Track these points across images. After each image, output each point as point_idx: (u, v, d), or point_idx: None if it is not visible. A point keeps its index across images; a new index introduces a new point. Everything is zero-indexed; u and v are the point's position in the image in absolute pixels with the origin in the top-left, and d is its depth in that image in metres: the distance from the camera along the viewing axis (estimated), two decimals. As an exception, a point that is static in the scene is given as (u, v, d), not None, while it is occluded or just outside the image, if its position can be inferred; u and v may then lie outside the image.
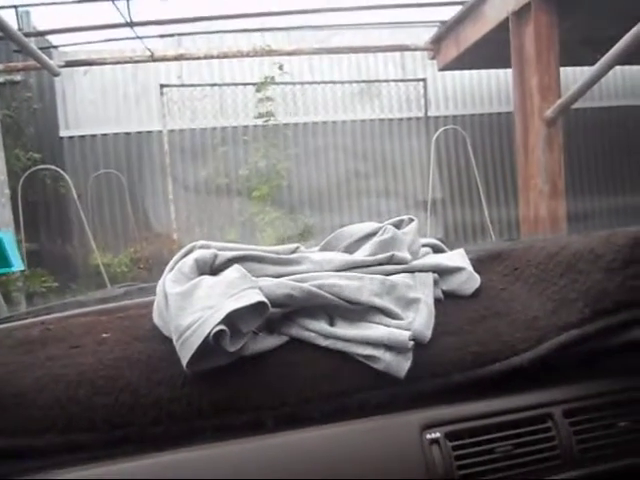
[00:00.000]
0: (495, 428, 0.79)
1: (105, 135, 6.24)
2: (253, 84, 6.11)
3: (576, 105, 4.33)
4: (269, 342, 0.81)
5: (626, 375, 0.86)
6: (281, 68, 6.03)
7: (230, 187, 6.14)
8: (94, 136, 6.24)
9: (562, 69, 4.41)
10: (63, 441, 0.74)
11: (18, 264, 0.81)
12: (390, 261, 0.92)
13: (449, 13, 5.69)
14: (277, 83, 6.12)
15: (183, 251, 0.90)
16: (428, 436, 0.77)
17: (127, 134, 6.27)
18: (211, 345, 0.73)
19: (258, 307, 0.77)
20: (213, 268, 0.87)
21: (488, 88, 6.93)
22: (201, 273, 0.85)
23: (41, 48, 5.50)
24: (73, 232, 5.97)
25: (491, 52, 5.37)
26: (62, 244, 5.77)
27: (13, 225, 4.33)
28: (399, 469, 0.76)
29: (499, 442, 0.78)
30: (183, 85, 6.20)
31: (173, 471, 0.73)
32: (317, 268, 0.89)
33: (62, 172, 5.29)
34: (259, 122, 6.09)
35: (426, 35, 6.23)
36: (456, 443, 0.78)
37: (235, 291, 0.77)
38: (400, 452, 0.76)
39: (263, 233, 5.49)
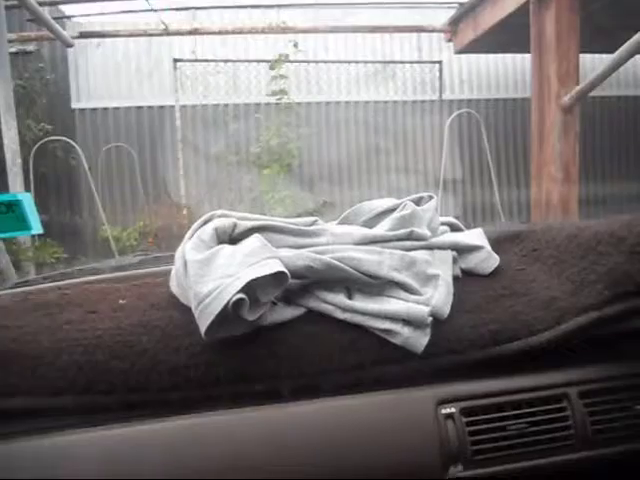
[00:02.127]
0: (510, 406, 0.79)
1: (117, 108, 6.22)
2: (267, 61, 6.05)
3: (593, 93, 4.26)
4: (287, 313, 0.81)
5: (645, 358, 0.86)
6: (296, 46, 5.96)
7: (241, 164, 6.12)
8: (106, 109, 6.21)
9: (581, 56, 4.34)
10: (81, 402, 0.74)
11: (37, 227, 0.81)
12: (409, 237, 0.91)
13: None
14: (291, 61, 6.06)
15: (202, 219, 0.90)
16: (443, 411, 0.78)
17: (139, 108, 6.24)
18: (230, 313, 0.73)
19: (278, 277, 0.76)
20: (232, 237, 0.86)
21: (504, 73, 6.83)
22: (220, 242, 0.85)
23: (55, 18, 5.46)
24: (83, 204, 5.99)
25: (509, 36, 5.28)
26: (72, 216, 5.79)
27: (24, 195, 4.33)
28: (413, 442, 0.76)
29: (513, 420, 0.79)
30: (197, 60, 6.15)
31: (189, 435, 0.74)
32: (337, 241, 0.88)
33: (73, 144, 5.28)
34: (272, 100, 6.04)
35: (443, 17, 6.13)
36: (470, 419, 0.78)
37: (255, 260, 0.77)
38: (415, 426, 0.77)
39: (273, 211, 5.48)
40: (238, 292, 0.72)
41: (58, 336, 0.80)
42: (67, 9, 5.92)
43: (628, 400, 0.81)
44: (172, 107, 6.16)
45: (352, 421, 0.76)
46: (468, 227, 1.15)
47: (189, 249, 0.82)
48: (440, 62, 6.53)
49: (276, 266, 0.76)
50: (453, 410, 0.78)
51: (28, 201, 0.86)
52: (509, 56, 6.66)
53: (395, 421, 0.77)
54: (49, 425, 0.74)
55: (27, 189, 4.58)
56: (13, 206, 0.84)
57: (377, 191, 6.45)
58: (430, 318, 0.79)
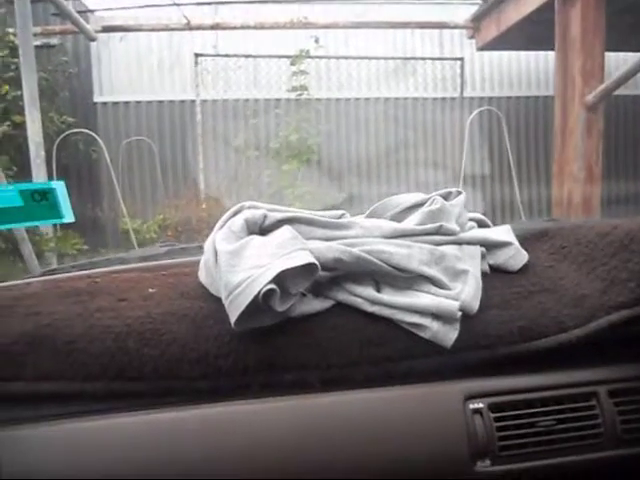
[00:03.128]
0: (538, 403, 0.79)
1: (138, 102, 6.27)
2: (288, 57, 6.05)
3: (617, 92, 4.20)
4: (316, 305, 0.82)
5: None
6: (317, 41, 5.96)
7: (260, 159, 6.14)
8: (127, 103, 6.27)
9: (606, 54, 4.28)
10: (113, 388, 0.76)
11: (69, 215, 0.82)
12: (438, 231, 0.91)
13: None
14: (312, 57, 6.05)
15: (232, 210, 0.91)
16: (471, 406, 0.78)
17: (160, 102, 6.29)
18: (260, 304, 0.73)
19: (308, 268, 0.77)
20: (262, 228, 0.87)
21: (527, 70, 6.75)
22: (250, 233, 0.85)
23: (78, 12, 5.53)
24: (104, 197, 6.05)
25: (533, 33, 5.23)
26: (93, 208, 5.85)
27: (47, 187, 4.39)
28: (441, 437, 0.76)
29: (541, 417, 0.78)
30: (218, 55, 6.17)
31: (218, 423, 0.75)
32: (366, 234, 0.88)
33: (95, 136, 5.34)
34: (292, 95, 6.05)
35: (466, 13, 6.08)
36: (498, 414, 0.78)
37: (286, 251, 0.78)
38: (443, 420, 0.77)
39: (292, 207, 5.49)
40: (269, 283, 0.73)
41: (90, 323, 0.81)
42: (90, 3, 5.98)
43: (659, 400, 0.81)
44: (193, 102, 6.19)
45: (380, 414, 0.77)
46: (493, 224, 1.14)
47: (220, 239, 0.83)
48: (462, 59, 6.48)
49: (306, 257, 0.76)
50: (481, 405, 0.78)
51: (61, 189, 0.87)
52: (532, 53, 6.58)
53: (423, 415, 0.77)
54: (80, 409, 0.75)
55: (50, 180, 4.63)
56: (47, 194, 0.86)
57: (397, 187, 6.43)
58: (459, 313, 0.78)
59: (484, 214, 1.15)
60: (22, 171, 4.64)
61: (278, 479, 0.72)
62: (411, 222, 0.93)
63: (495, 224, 1.13)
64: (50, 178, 4.64)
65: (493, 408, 0.78)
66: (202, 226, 5.02)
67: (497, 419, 0.77)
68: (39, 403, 0.76)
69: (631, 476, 0.82)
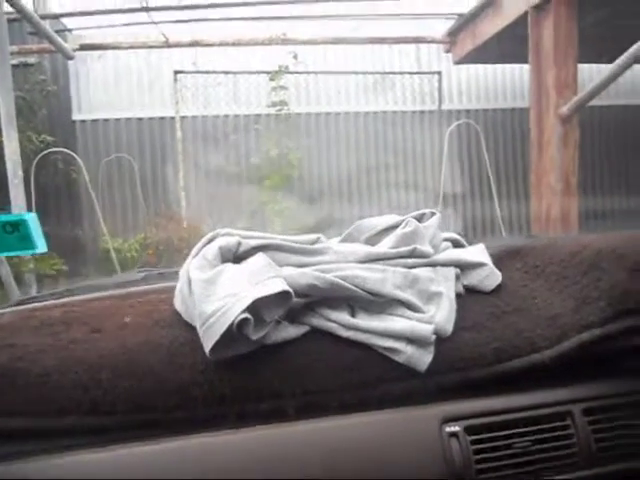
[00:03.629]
0: (514, 424, 0.79)
1: (118, 120, 6.24)
2: (267, 72, 6.08)
3: (592, 102, 4.29)
4: (291, 331, 0.82)
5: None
6: (295, 57, 6.00)
7: (241, 175, 6.14)
8: (107, 120, 6.24)
9: (579, 66, 4.37)
10: (86, 423, 0.75)
11: (42, 246, 0.82)
12: (412, 254, 0.92)
13: (466, 6, 5.63)
14: (291, 72, 6.09)
15: (206, 238, 0.91)
16: (447, 429, 0.78)
17: (139, 119, 6.27)
18: (234, 332, 0.73)
19: (282, 296, 0.77)
20: (236, 256, 0.87)
21: (503, 83, 6.86)
22: (225, 260, 0.85)
23: (56, 31, 5.50)
24: (83, 216, 5.99)
25: (508, 47, 5.32)
26: (72, 228, 5.80)
27: (25, 207, 4.34)
28: (418, 461, 0.76)
29: (518, 438, 0.79)
30: (197, 72, 6.18)
31: (195, 455, 0.74)
32: (340, 259, 0.89)
33: (74, 155, 5.30)
34: (272, 111, 6.07)
35: (442, 28, 6.18)
36: (475, 437, 0.78)
37: (259, 279, 0.78)
38: (419, 444, 0.77)
39: (273, 223, 5.50)
40: (243, 312, 0.73)
41: (63, 355, 0.81)
42: (68, 22, 5.95)
43: (631, 417, 0.81)
44: (172, 118, 6.18)
45: (357, 439, 0.76)
46: (469, 241, 1.16)
47: (194, 268, 0.83)
48: (439, 73, 6.56)
49: (280, 285, 0.77)
50: (457, 428, 0.78)
51: (33, 221, 0.86)
52: (508, 66, 6.69)
53: (400, 439, 0.77)
54: (53, 445, 0.74)
55: (28, 200, 4.58)
56: (19, 226, 0.85)
57: (377, 200, 6.46)
58: (433, 336, 0.79)
59: (462, 233, 1.16)
60: (1, 191, 4.58)
61: None
62: (385, 245, 0.94)
63: (475, 241, 1.15)
64: (28, 198, 4.58)
65: (469, 431, 0.78)
66: (183, 245, 4.99)
67: (474, 442, 0.78)
68: (12, 440, 0.75)
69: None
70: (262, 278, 0.78)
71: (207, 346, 0.75)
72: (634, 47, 3.31)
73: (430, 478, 0.76)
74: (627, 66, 3.53)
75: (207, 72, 6.20)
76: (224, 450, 0.75)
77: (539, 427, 0.80)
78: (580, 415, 0.81)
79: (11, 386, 0.76)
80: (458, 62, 6.28)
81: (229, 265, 0.83)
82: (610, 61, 3.74)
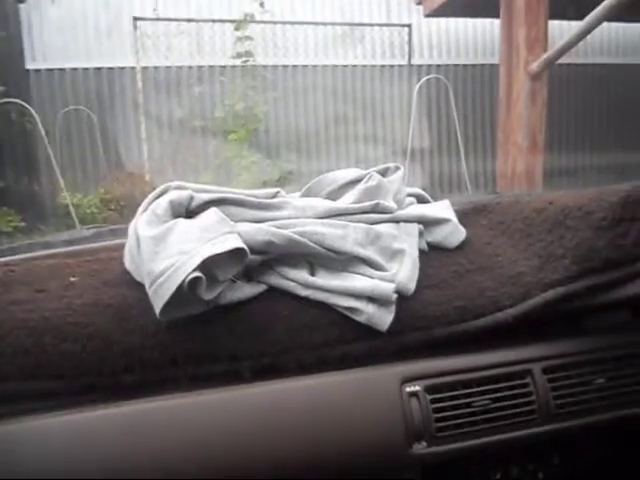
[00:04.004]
0: (474, 383, 0.79)
1: (75, 69, 5.93)
2: (232, 21, 5.83)
3: (561, 60, 4.26)
4: (247, 291, 0.78)
5: (608, 333, 0.86)
6: (262, 5, 5.76)
7: (206, 129, 5.95)
8: (62, 70, 5.93)
9: (550, 23, 4.32)
10: (28, 388, 0.70)
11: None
12: (375, 210, 0.88)
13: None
14: (257, 22, 5.85)
15: (157, 191, 0.85)
16: (407, 389, 0.76)
17: (98, 69, 5.97)
18: (186, 292, 0.69)
19: (236, 254, 0.73)
20: (189, 210, 0.82)
21: (474, 38, 6.77)
22: (176, 216, 0.80)
23: (4, -29, 5.15)
24: (40, 170, 5.75)
25: (480, 1, 5.22)
26: (29, 182, 5.56)
27: (-23, 160, 4.14)
28: (378, 420, 0.75)
29: (478, 397, 0.78)
30: (158, 19, 5.88)
31: (144, 420, 0.70)
32: (299, 214, 0.85)
33: (28, 107, 5.03)
34: (237, 62, 5.85)
35: (413, -22, 6.02)
36: (435, 396, 0.77)
37: (212, 236, 0.73)
38: (379, 404, 0.75)
39: (239, 177, 5.37)
40: (194, 270, 0.68)
41: (2, 317, 0.75)
42: (18, -39, 5.57)
43: (590, 374, 0.82)
44: (133, 68, 5.90)
45: (316, 400, 0.74)
46: (434, 197, 1.13)
47: (142, 224, 0.77)
48: (409, 25, 6.42)
49: (234, 242, 0.72)
50: (417, 388, 0.77)
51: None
52: (479, 21, 6.59)
53: (359, 399, 0.75)
54: None
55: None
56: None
57: (345, 154, 6.39)
58: (395, 295, 0.76)
59: (424, 189, 1.13)
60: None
61: (210, 477, 0.69)
62: (347, 200, 0.90)
63: (442, 197, 1.12)
64: (-20, 151, 4.36)
65: (430, 390, 0.77)
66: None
67: (434, 400, 0.77)
68: None
69: (564, 449, 0.83)
70: (215, 234, 0.73)
71: (157, 307, 0.70)
72: (603, 4, 3.27)
73: (389, 438, 0.75)
74: (597, 24, 3.49)
75: (169, 19, 5.91)
76: (177, 413, 0.71)
77: (499, 385, 0.79)
78: (540, 373, 0.81)
79: None
80: (429, 15, 6.15)
81: (180, 220, 0.78)
82: (579, 18, 3.70)
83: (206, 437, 0.70)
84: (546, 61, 4.05)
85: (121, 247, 0.94)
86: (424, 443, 0.75)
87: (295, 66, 6.30)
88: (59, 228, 4.87)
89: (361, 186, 0.91)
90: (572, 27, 4.09)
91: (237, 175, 5.40)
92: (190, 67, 6.05)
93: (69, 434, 0.69)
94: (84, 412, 0.70)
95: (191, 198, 0.81)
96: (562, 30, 5.54)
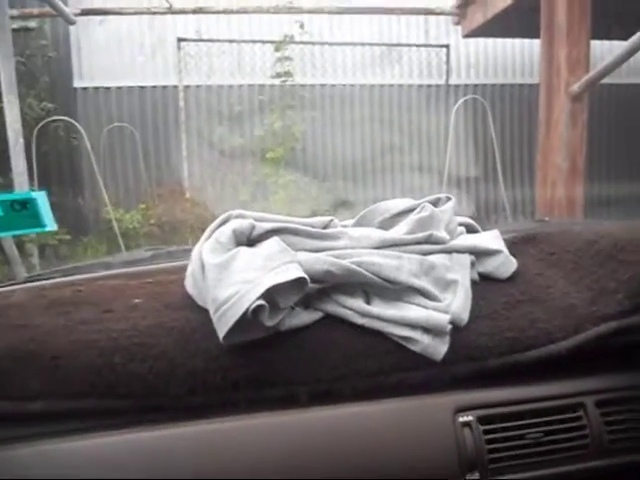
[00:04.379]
0: (527, 414, 0.79)
1: (120, 88, 6.15)
2: (272, 42, 5.97)
3: (604, 80, 4.21)
4: (305, 317, 0.81)
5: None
6: (302, 27, 5.88)
7: (244, 147, 6.07)
8: (108, 88, 6.15)
9: (592, 43, 4.28)
10: (104, 406, 0.74)
11: (51, 224, 0.80)
12: (428, 240, 0.90)
13: (477, -23, 5.50)
14: (296, 42, 5.98)
15: (219, 220, 0.89)
16: (460, 419, 0.77)
17: (142, 88, 6.18)
18: (248, 319, 0.72)
19: (297, 282, 0.76)
20: (250, 239, 0.85)
21: (512, 58, 6.74)
22: (238, 244, 0.84)
23: (57, -6, 5.37)
24: (85, 185, 5.95)
25: (519, 21, 5.20)
26: (74, 197, 5.76)
27: (27, 175, 4.31)
28: (431, 449, 0.76)
29: (530, 428, 0.78)
30: (201, 40, 6.06)
31: (206, 441, 0.73)
32: (355, 244, 0.87)
33: (75, 123, 5.23)
34: (276, 82, 5.98)
35: (451, -1, 6.05)
36: (488, 427, 0.78)
37: (274, 265, 0.76)
38: (432, 433, 0.77)
39: (275, 195, 5.46)
40: (258, 298, 0.72)
41: (74, 337, 0.80)
42: (69, -15, 5.82)
43: (644, 410, 0.81)
44: (175, 87, 6.09)
45: (370, 427, 0.76)
46: (481, 224, 1.14)
47: (207, 251, 0.81)
48: (447, 46, 6.45)
49: (296, 272, 0.75)
50: (471, 418, 0.78)
51: (42, 199, 0.85)
52: (518, 41, 6.56)
53: (413, 428, 0.77)
54: (67, 428, 0.74)
55: (29, 168, 4.55)
56: (27, 204, 0.83)
57: (381, 175, 6.41)
58: (450, 326, 0.78)
59: (473, 217, 1.14)
60: (1, 159, 4.54)
61: None
62: (400, 230, 0.92)
63: (489, 226, 1.13)
64: (30, 166, 4.54)
65: (482, 420, 0.78)
66: (185, 215, 4.97)
67: (486, 431, 0.77)
68: (25, 422, 0.75)
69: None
70: (277, 264, 0.77)
71: (221, 332, 0.74)
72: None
73: (442, 467, 0.76)
74: (641, 44, 3.45)
75: (211, 40, 6.09)
76: (236, 436, 0.74)
77: (552, 418, 0.79)
78: (593, 407, 0.81)
79: (25, 368, 0.75)
80: (467, 35, 6.16)
81: (243, 249, 0.81)
82: (624, 38, 3.66)
83: (263, 459, 0.73)
84: (587, 82, 4.01)
85: (179, 270, 0.99)
86: (477, 474, 0.76)
87: (333, 85, 6.39)
88: (102, 242, 5.01)
89: (414, 216, 0.93)
90: (614, 47, 4.06)
91: (273, 193, 5.48)
92: (231, 86, 6.21)
93: (138, 451, 0.72)
94: (150, 431, 0.74)
95: (252, 227, 0.85)
96: (604, 51, 5.48)
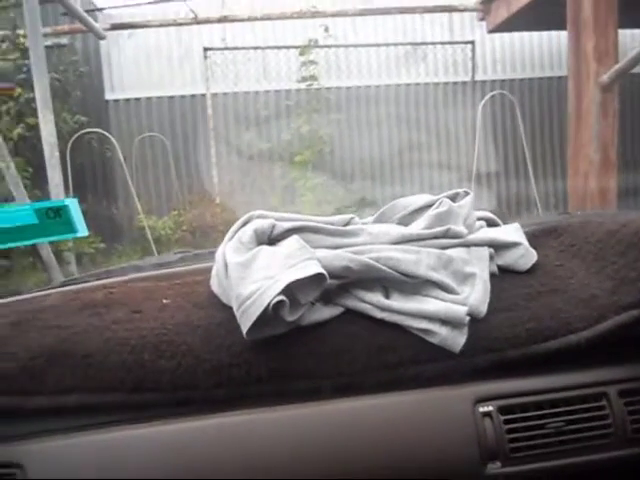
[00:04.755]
0: (548, 404, 0.80)
1: (149, 98, 6.30)
2: (297, 47, 6.03)
3: (634, 70, 4.12)
4: (325, 313, 0.83)
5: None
6: (327, 30, 5.92)
7: (272, 151, 6.15)
8: (138, 99, 6.31)
9: (620, 32, 4.19)
10: (132, 399, 0.78)
11: (83, 230, 0.85)
12: (446, 235, 0.92)
13: (501, -28, 5.44)
14: (321, 46, 6.03)
15: (241, 221, 0.92)
16: (481, 409, 0.78)
17: (171, 97, 6.32)
18: (270, 314, 0.75)
19: (317, 278, 0.78)
20: (271, 238, 0.88)
21: (539, 51, 6.65)
22: (260, 243, 0.87)
23: (87, 11, 5.55)
24: (118, 194, 6.12)
25: (545, 13, 5.13)
26: (108, 206, 5.93)
27: (62, 186, 4.45)
28: (452, 439, 0.77)
29: (551, 418, 0.79)
30: (227, 48, 6.17)
31: (233, 432, 0.77)
32: (373, 240, 0.89)
33: (108, 135, 5.39)
34: (302, 86, 6.04)
35: (475, -5, 6.00)
36: (508, 417, 0.79)
37: (294, 262, 0.79)
38: (453, 424, 0.78)
39: (303, 198, 5.51)
40: (278, 294, 0.74)
41: (106, 336, 0.84)
42: (98, 1, 6.00)
43: (669, 399, 0.81)
44: (203, 96, 6.21)
45: (391, 418, 0.78)
46: (504, 218, 1.15)
47: (230, 251, 0.85)
48: (472, 42, 6.40)
49: (315, 268, 0.78)
50: (491, 408, 0.79)
51: (74, 205, 0.89)
52: (544, 34, 6.47)
53: (433, 419, 0.78)
54: (99, 421, 0.78)
55: (65, 180, 4.70)
56: (60, 211, 0.88)
57: (409, 175, 6.40)
58: (467, 318, 0.79)
59: (493, 211, 1.15)
60: (38, 172, 4.71)
61: None
62: (419, 226, 0.94)
63: (511, 220, 1.13)
64: (65, 178, 4.69)
65: (503, 411, 0.79)
66: (216, 221, 5.06)
67: (507, 421, 0.78)
68: (60, 416, 0.79)
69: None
70: (297, 261, 0.79)
71: (244, 327, 0.76)
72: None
73: (463, 457, 0.77)
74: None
75: (236, 48, 6.18)
76: (261, 427, 0.77)
77: (574, 407, 0.80)
78: (616, 396, 0.81)
79: (57, 367, 0.79)
80: (492, 30, 6.10)
81: (264, 247, 0.84)
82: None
83: (287, 450, 0.76)
84: (617, 72, 3.93)
85: (205, 271, 1.02)
86: (498, 463, 0.77)
87: (359, 87, 6.41)
88: (136, 249, 5.14)
89: (432, 212, 0.94)
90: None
91: (301, 196, 5.52)
92: (257, 92, 6.29)
93: (168, 442, 0.76)
94: (180, 423, 0.77)
95: (273, 226, 0.88)
96: (634, 40, 5.35)
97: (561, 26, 4.64)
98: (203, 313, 0.88)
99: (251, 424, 0.77)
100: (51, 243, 3.38)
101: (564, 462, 0.77)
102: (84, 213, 1.00)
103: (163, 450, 0.75)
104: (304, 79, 5.98)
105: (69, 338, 0.84)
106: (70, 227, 0.91)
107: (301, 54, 5.96)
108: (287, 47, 6.17)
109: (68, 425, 0.78)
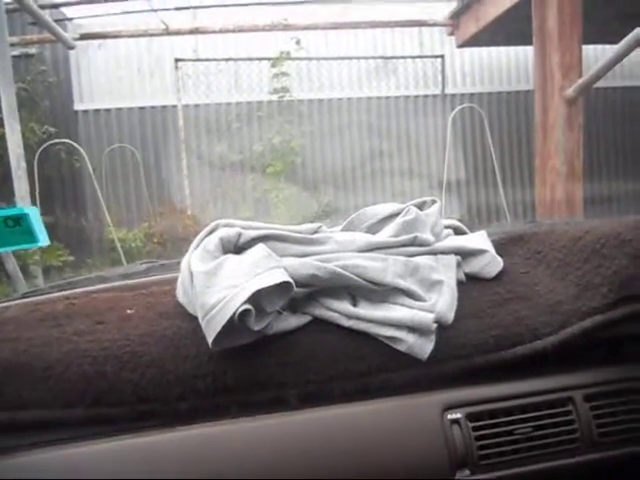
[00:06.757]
0: (516, 410, 0.80)
1: (119, 109, 6.23)
2: (268, 59, 6.04)
3: (598, 84, 4.24)
4: (292, 321, 0.82)
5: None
6: (298, 43, 5.96)
7: (244, 163, 6.13)
8: (108, 110, 6.23)
9: (584, 47, 4.31)
10: (91, 414, 0.75)
11: (44, 239, 0.82)
12: (413, 242, 0.92)
13: (469, -12, 5.56)
14: (292, 58, 6.05)
15: (207, 229, 0.91)
16: (449, 416, 0.78)
17: (141, 108, 6.26)
18: (236, 323, 0.74)
19: (283, 287, 0.77)
20: (237, 247, 0.87)
21: (507, 65, 6.80)
22: (226, 251, 0.85)
23: (56, 20, 5.47)
24: (88, 206, 6.01)
25: (512, 29, 5.26)
26: (77, 218, 5.81)
27: (29, 198, 4.35)
28: (420, 448, 0.77)
29: (519, 424, 0.79)
30: (198, 59, 6.15)
31: (198, 445, 0.75)
32: (340, 248, 0.89)
33: (77, 146, 5.30)
34: (274, 98, 6.05)
35: (445, 10, 6.11)
36: (477, 424, 0.79)
37: (260, 270, 0.78)
38: (421, 432, 0.77)
39: (277, 210, 5.50)
40: (244, 303, 0.73)
41: (67, 347, 0.81)
42: (68, 11, 5.92)
43: (632, 403, 0.82)
44: (174, 107, 6.16)
45: (359, 427, 0.77)
46: (471, 227, 1.16)
47: (195, 260, 0.83)
48: (442, 56, 6.50)
49: (281, 276, 0.77)
50: (459, 415, 0.78)
51: (35, 214, 0.87)
52: (512, 49, 6.63)
53: (402, 427, 0.77)
54: (59, 437, 0.75)
55: (32, 191, 4.60)
56: (20, 220, 0.86)
57: (380, 185, 6.45)
58: (435, 325, 0.79)
59: (461, 220, 1.16)
60: (4, 183, 4.60)
61: None
62: (386, 234, 0.94)
63: (480, 228, 1.14)
64: (32, 189, 4.59)
65: (471, 418, 0.79)
66: (187, 233, 5.00)
67: (475, 428, 0.78)
68: (18, 432, 0.76)
69: (607, 479, 0.83)
70: (263, 269, 0.78)
71: (209, 337, 0.75)
72: (638, 29, 3.26)
73: (433, 465, 0.76)
74: (633, 47, 3.48)
75: (208, 60, 6.17)
76: (228, 439, 0.75)
77: (541, 413, 0.80)
78: (581, 401, 0.81)
79: (16, 381, 0.77)
80: (461, 45, 6.22)
81: (230, 256, 0.83)
82: (614, 41, 3.69)
83: (254, 461, 0.74)
84: (581, 86, 4.04)
85: (172, 281, 1.00)
86: (467, 471, 0.77)
87: (330, 99, 6.45)
88: (105, 262, 5.05)
89: (399, 220, 0.95)
90: (606, 51, 4.08)
91: (275, 207, 5.51)
92: (229, 104, 6.28)
93: (129, 457, 0.74)
94: (141, 437, 0.75)
95: (239, 235, 0.86)
96: (597, 54, 5.52)
97: (528, 41, 4.75)
98: (168, 323, 0.86)
99: (218, 436, 0.75)
100: (16, 255, 3.29)
101: (533, 468, 0.78)
102: (52, 225, 0.98)
103: (126, 465, 0.73)
104: (276, 91, 5.99)
105: (28, 350, 0.81)
106: (31, 236, 0.88)
107: (273, 66, 5.98)
108: (259, 59, 6.18)
109: (25, 442, 0.75)
